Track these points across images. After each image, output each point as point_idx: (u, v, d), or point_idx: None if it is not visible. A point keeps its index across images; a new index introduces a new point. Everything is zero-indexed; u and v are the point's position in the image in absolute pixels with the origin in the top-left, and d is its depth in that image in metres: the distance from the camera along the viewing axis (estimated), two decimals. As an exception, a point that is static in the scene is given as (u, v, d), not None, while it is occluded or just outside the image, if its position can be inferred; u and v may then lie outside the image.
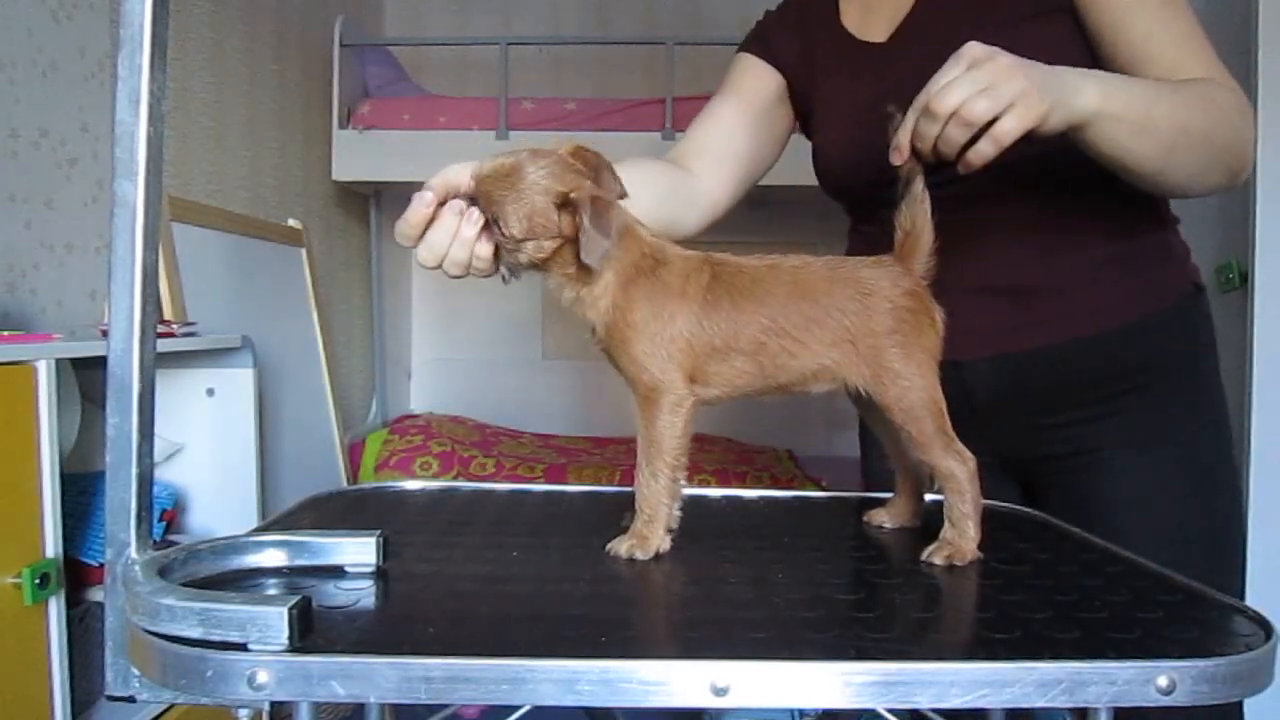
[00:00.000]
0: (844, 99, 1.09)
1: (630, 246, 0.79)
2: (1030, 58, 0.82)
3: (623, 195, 0.82)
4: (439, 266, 0.81)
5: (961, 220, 0.96)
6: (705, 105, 1.22)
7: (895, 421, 0.78)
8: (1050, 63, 0.83)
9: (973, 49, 0.78)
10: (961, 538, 0.77)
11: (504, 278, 0.82)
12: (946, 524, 0.78)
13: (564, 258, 0.78)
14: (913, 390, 0.77)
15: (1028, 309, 1.01)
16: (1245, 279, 2.05)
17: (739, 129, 1.18)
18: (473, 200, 0.79)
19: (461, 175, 0.81)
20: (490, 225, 0.78)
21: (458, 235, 0.79)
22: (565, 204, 0.76)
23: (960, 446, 0.78)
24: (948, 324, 0.80)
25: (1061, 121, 0.81)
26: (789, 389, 0.81)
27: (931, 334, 0.79)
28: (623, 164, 1.02)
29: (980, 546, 0.77)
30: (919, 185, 0.80)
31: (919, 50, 0.96)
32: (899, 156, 0.81)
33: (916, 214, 0.80)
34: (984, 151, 0.78)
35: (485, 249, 0.80)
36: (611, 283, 0.78)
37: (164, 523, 1.76)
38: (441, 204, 0.80)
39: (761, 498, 1.04)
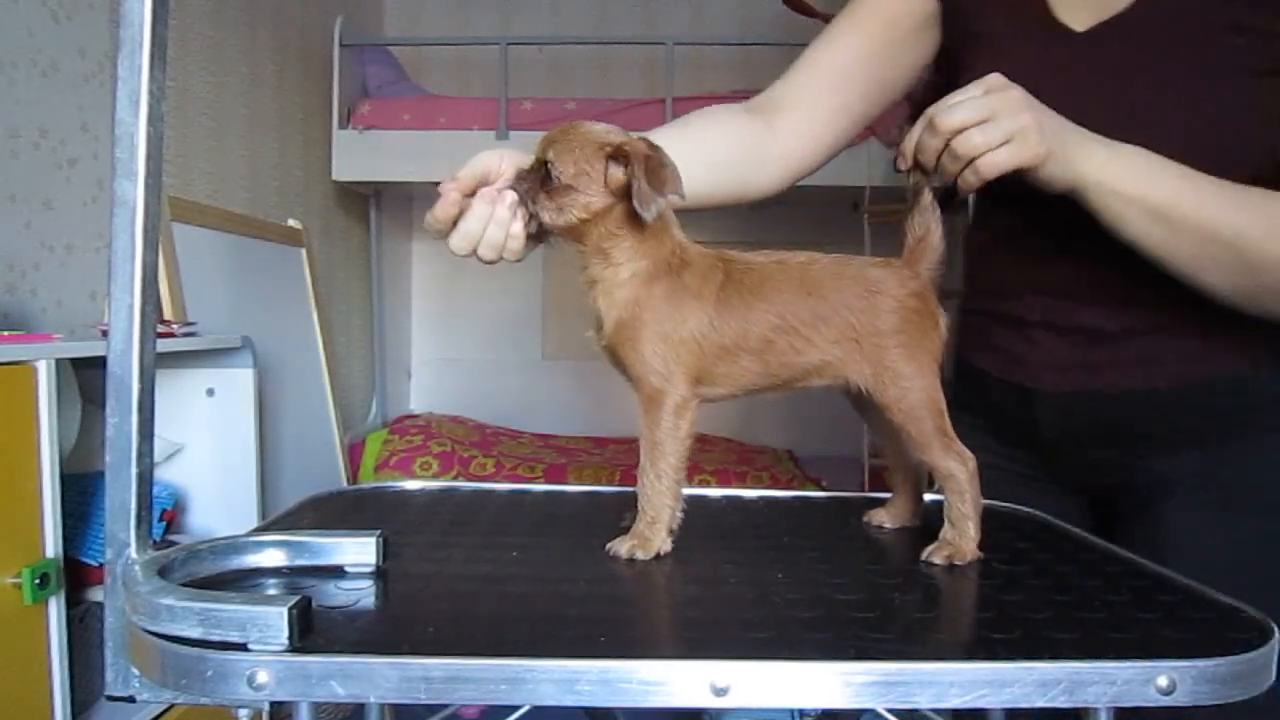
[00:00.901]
0: (1005, 68, 0.92)
1: (664, 241, 0.79)
2: (1235, 118, 0.79)
3: (680, 194, 0.80)
4: (472, 253, 0.83)
5: (1058, 251, 0.93)
6: (826, 28, 1.06)
7: (895, 422, 0.78)
8: (1250, 130, 0.79)
9: (993, 77, 0.78)
10: (962, 538, 0.77)
11: (544, 240, 0.83)
12: (946, 524, 0.78)
13: (606, 224, 0.78)
14: (913, 391, 0.77)
15: (1111, 350, 0.92)
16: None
17: (855, 68, 1.03)
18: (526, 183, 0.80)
19: (490, 162, 0.83)
20: (524, 201, 0.80)
21: (493, 218, 0.81)
22: (618, 154, 0.77)
23: (960, 447, 0.78)
24: (1022, 350, 0.80)
25: (1061, 176, 0.79)
26: (791, 385, 0.81)
27: (935, 336, 0.79)
28: (689, 120, 1.00)
29: (980, 546, 0.77)
30: (927, 196, 0.81)
31: (1110, 58, 0.87)
32: (902, 163, 0.81)
33: (929, 221, 0.81)
34: (968, 180, 0.77)
35: (519, 226, 0.81)
36: (639, 273, 0.78)
37: (164, 523, 1.76)
38: (470, 195, 0.82)
39: (761, 498, 1.04)
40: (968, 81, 0.94)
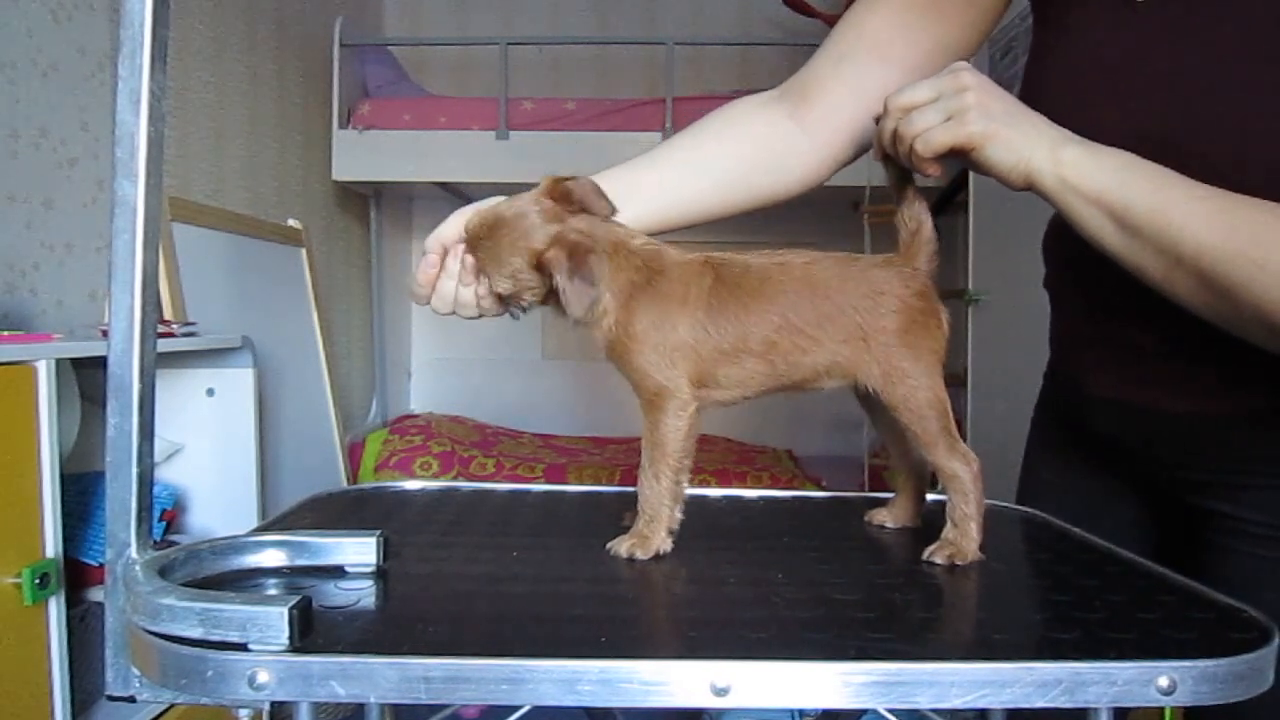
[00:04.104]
0: (1068, 36, 0.87)
1: (622, 264, 0.79)
2: None
3: (609, 214, 0.82)
4: (452, 312, 0.85)
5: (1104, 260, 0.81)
6: None
7: (901, 421, 0.78)
8: None
9: (956, 64, 0.77)
10: (964, 538, 0.77)
11: (513, 315, 0.85)
12: (949, 524, 0.78)
13: (558, 300, 0.79)
14: (920, 390, 0.77)
15: (1155, 367, 0.84)
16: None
17: (899, 34, 0.90)
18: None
19: (454, 227, 0.84)
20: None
21: (462, 281, 0.83)
22: (540, 265, 0.77)
23: (964, 448, 0.78)
24: (1077, 357, 0.78)
25: (1010, 164, 0.74)
26: (801, 386, 0.81)
27: (938, 334, 0.79)
28: (705, 126, 0.95)
29: (980, 548, 0.77)
30: (911, 189, 0.81)
31: (1167, 29, 0.78)
32: (876, 152, 0.82)
33: (919, 214, 0.81)
34: (915, 161, 0.77)
35: (485, 287, 0.82)
36: (611, 304, 0.78)
37: (164, 523, 1.76)
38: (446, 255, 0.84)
39: (761, 498, 1.04)
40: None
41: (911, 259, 0.80)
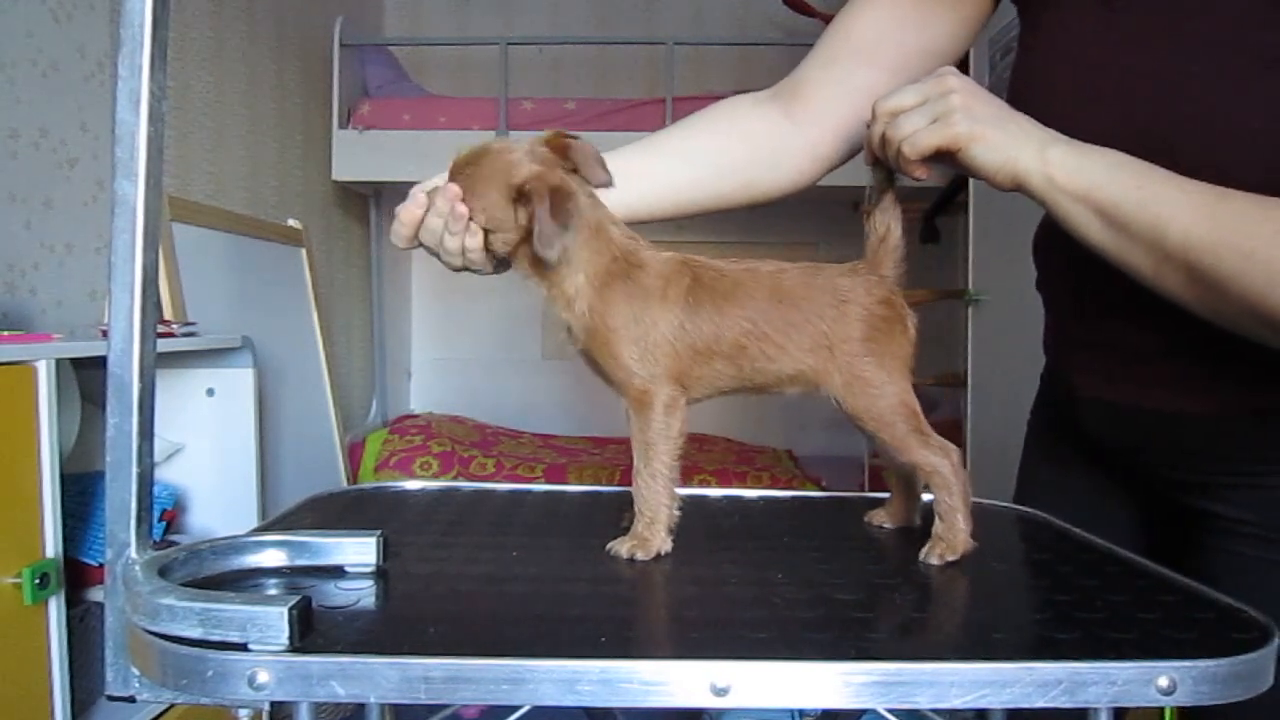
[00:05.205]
0: (1045, 35, 0.87)
1: (601, 249, 0.78)
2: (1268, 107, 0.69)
3: (606, 184, 0.81)
4: (437, 253, 0.83)
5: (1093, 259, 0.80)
6: None
7: (868, 430, 0.78)
8: None
9: (943, 69, 0.77)
10: (951, 531, 0.77)
11: (496, 269, 0.83)
12: (937, 520, 0.78)
13: (527, 252, 0.78)
14: (882, 398, 0.77)
15: (1144, 367, 0.84)
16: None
17: (887, 37, 0.92)
18: None
19: (442, 178, 0.83)
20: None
21: (450, 230, 0.80)
22: (520, 196, 0.76)
23: (940, 440, 0.78)
24: (1068, 358, 0.78)
25: (997, 164, 0.74)
26: (764, 390, 0.81)
27: (904, 341, 0.79)
28: (697, 119, 0.96)
29: (975, 537, 0.77)
30: (890, 195, 0.81)
31: (1136, 28, 0.78)
32: (867, 157, 0.82)
33: (889, 220, 0.81)
34: (901, 164, 0.77)
35: (474, 239, 0.80)
36: (584, 285, 0.78)
37: (164, 523, 1.76)
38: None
39: (761, 498, 1.04)
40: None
41: (877, 266, 0.80)
